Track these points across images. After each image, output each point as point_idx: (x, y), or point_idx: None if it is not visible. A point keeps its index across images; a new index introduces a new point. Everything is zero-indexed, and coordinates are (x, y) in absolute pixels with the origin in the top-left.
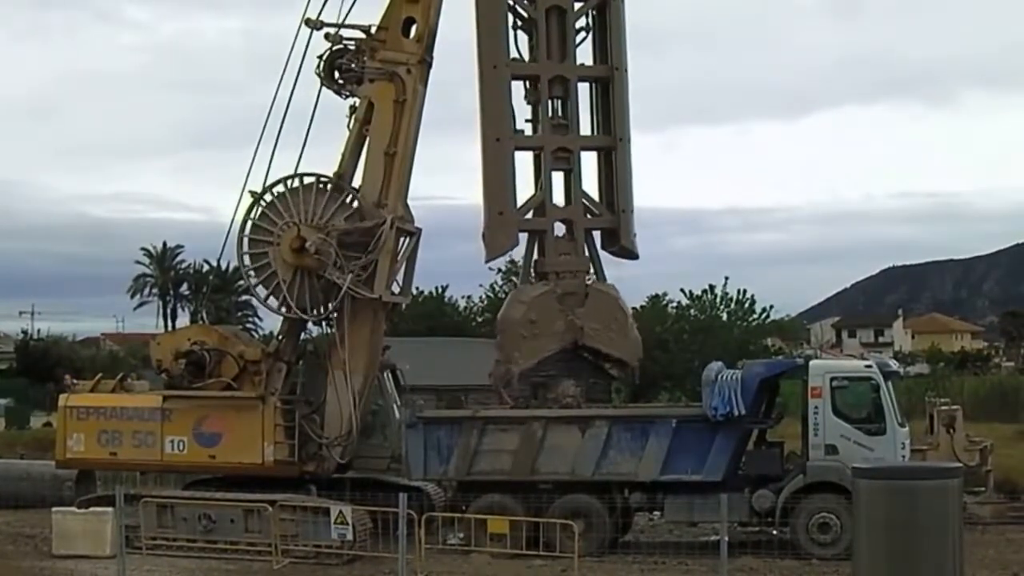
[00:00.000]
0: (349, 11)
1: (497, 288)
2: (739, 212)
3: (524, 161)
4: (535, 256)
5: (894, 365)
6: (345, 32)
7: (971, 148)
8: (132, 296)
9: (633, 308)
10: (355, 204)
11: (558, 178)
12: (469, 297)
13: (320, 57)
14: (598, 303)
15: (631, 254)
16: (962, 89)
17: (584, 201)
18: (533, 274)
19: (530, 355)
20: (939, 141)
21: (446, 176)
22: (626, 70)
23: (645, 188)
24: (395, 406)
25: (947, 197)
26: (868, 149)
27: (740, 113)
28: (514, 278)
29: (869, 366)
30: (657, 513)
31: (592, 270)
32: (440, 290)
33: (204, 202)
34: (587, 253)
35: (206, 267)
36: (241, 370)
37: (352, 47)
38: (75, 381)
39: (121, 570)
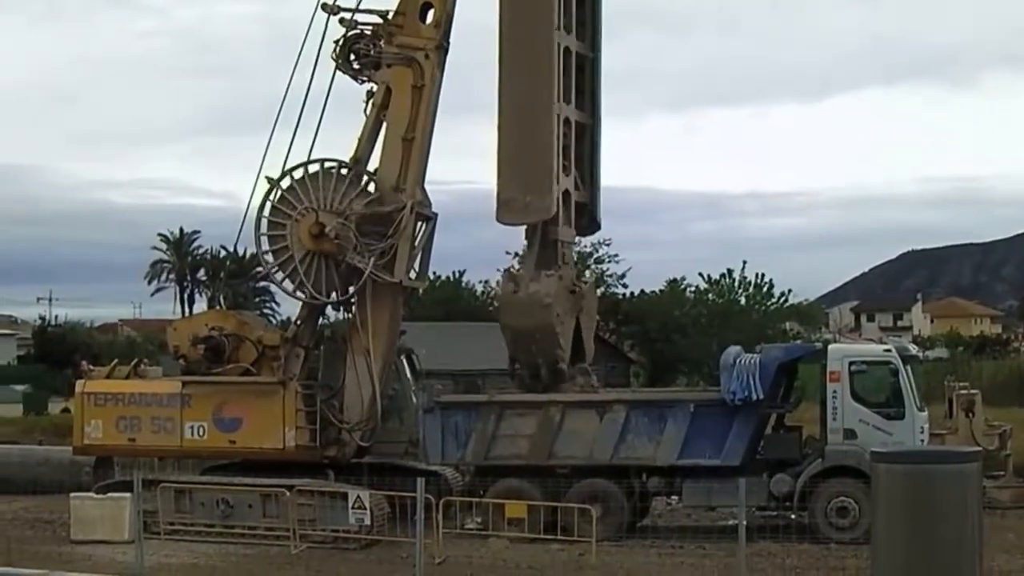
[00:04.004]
0: None
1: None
2: (760, 196)
3: None
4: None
5: (913, 349)
6: (361, 17)
7: (993, 131)
8: (149, 282)
9: (652, 292)
10: (373, 189)
11: None
12: (486, 282)
13: (336, 42)
14: (592, 298)
15: (597, 226)
16: (984, 71)
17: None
18: (537, 245)
19: (566, 343)
20: (961, 124)
21: (462, 160)
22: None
23: (667, 171)
24: (412, 391)
25: (968, 181)
26: (889, 132)
27: (761, 95)
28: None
29: (888, 350)
30: (675, 497)
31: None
32: (457, 275)
33: (224, 188)
34: None
35: (223, 253)
36: (259, 355)
37: (368, 32)
38: (91, 367)
39: (139, 555)
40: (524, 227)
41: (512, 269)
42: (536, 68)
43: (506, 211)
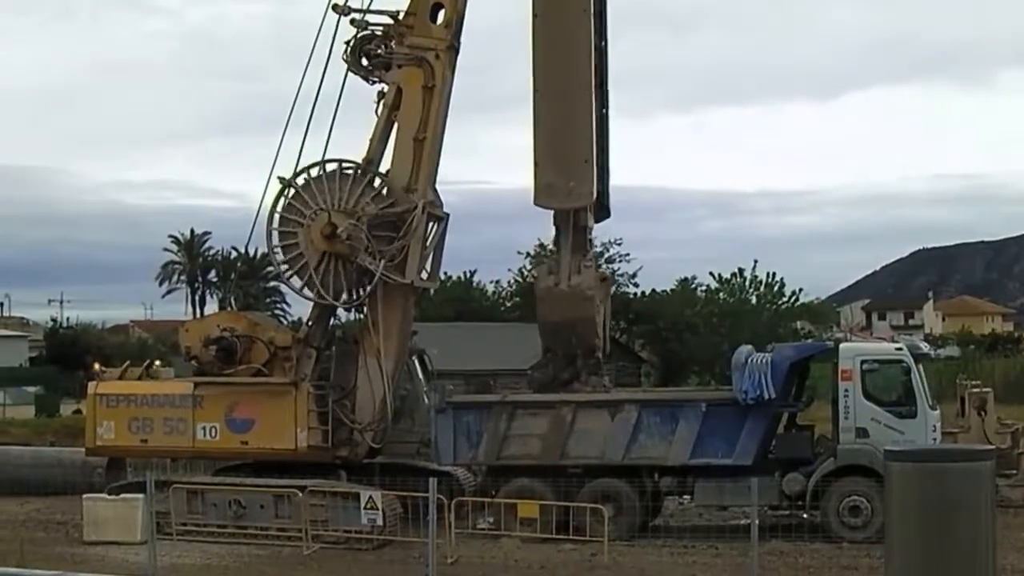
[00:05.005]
0: None
1: (525, 273)
2: (771, 195)
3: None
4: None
5: (925, 348)
6: (372, 18)
7: (1005, 128)
8: (160, 283)
9: (663, 291)
10: (384, 190)
11: None
12: (497, 282)
13: (347, 43)
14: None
15: (607, 213)
16: (996, 69)
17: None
18: (571, 233)
19: (602, 332)
20: (972, 122)
21: (473, 160)
22: None
23: (677, 170)
24: (424, 391)
25: (979, 179)
26: (900, 130)
27: (770, 94)
28: (544, 260)
29: (900, 349)
30: (687, 497)
31: None
32: (468, 275)
33: (235, 188)
34: None
35: (234, 254)
36: (271, 356)
37: (379, 33)
38: (103, 369)
39: (152, 556)
40: (553, 216)
41: (548, 258)
42: (573, 51)
43: (547, 195)
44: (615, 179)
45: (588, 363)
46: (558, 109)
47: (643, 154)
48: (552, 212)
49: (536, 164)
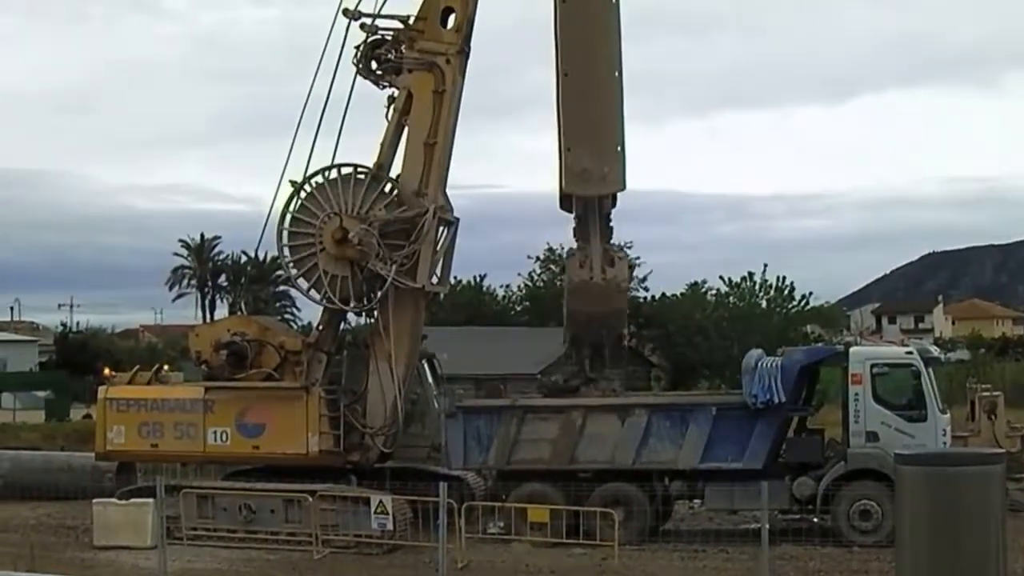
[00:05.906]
0: (386, 0)
1: (535, 276)
2: (784, 198)
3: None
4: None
5: (935, 351)
6: (382, 22)
7: (1016, 131)
8: (170, 288)
9: (673, 295)
10: (395, 194)
11: None
12: (508, 286)
13: (358, 48)
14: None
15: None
16: (1007, 71)
17: None
18: (598, 221)
19: (626, 318)
20: (984, 125)
21: (483, 164)
22: None
23: (689, 174)
24: (434, 395)
25: (990, 181)
26: (912, 133)
27: (783, 98)
28: (552, 266)
29: (910, 352)
30: (697, 501)
31: None
32: (479, 279)
33: (245, 192)
34: None
35: (244, 258)
36: (282, 361)
37: (389, 37)
38: (113, 373)
39: (162, 561)
40: (576, 207)
41: (579, 249)
42: (604, 37)
43: (582, 181)
44: (630, 182)
45: (615, 351)
46: (591, 95)
47: (658, 158)
48: (573, 205)
49: (567, 151)
